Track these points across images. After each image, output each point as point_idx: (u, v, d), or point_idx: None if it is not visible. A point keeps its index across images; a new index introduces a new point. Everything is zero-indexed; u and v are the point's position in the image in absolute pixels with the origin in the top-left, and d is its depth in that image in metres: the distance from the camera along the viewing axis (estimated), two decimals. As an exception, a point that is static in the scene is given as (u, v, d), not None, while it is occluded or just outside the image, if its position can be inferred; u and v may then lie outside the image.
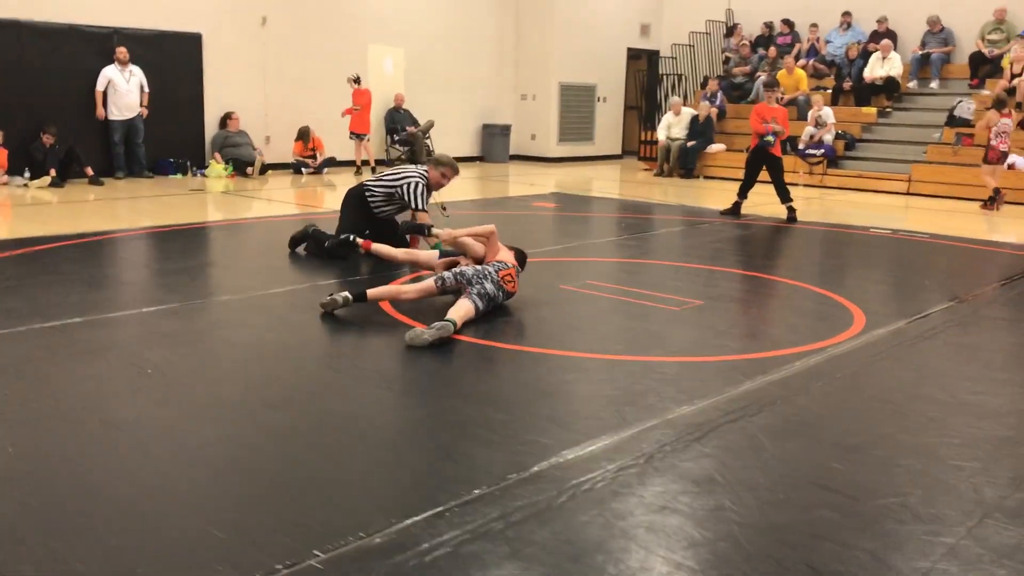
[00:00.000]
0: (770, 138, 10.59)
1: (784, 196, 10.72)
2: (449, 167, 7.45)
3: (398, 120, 16.72)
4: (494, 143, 18.67)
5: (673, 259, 8.25)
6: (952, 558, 2.80)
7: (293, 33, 15.25)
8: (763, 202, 11.43)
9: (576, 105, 19.33)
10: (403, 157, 16.68)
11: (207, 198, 12.04)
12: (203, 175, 13.92)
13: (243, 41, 14.68)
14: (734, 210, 10.99)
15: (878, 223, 10.69)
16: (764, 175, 10.80)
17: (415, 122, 16.78)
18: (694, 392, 4.29)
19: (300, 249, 7.70)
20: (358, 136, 15.38)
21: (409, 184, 7.36)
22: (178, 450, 3.50)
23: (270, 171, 14.53)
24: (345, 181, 14.29)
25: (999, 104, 12.56)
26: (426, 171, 7.50)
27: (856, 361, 4.96)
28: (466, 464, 3.42)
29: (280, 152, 15.10)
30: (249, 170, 14.00)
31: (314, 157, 15.12)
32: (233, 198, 12.06)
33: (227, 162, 14.03)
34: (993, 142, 12.40)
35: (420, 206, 7.35)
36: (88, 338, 5.01)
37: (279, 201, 12.10)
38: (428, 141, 16.88)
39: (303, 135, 14.98)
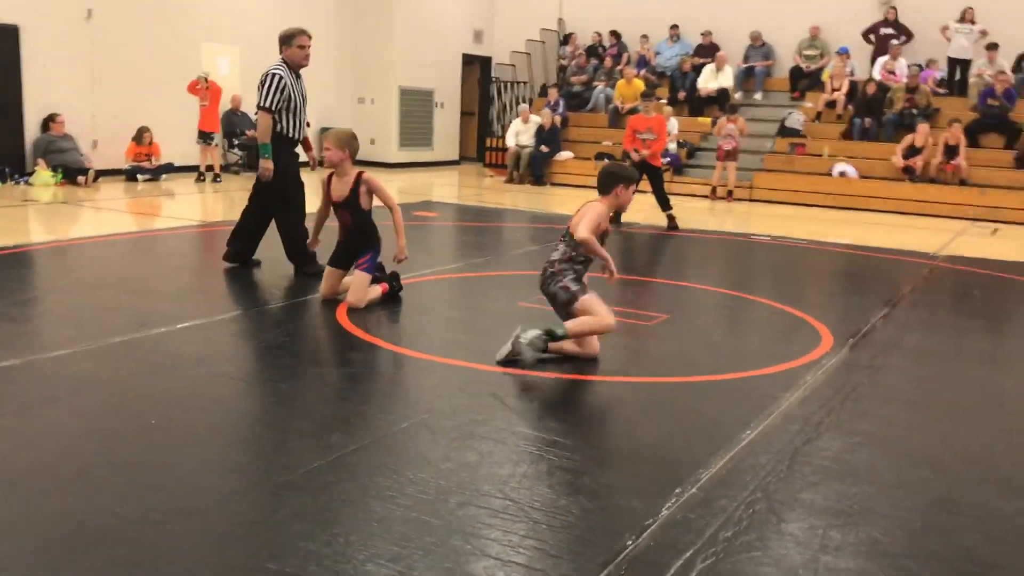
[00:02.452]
0: (635, 154, 10.88)
1: (664, 204, 10.99)
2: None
3: (236, 123, 15.71)
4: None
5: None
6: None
7: (122, 29, 13.95)
8: (641, 209, 11.66)
9: (415, 110, 19.00)
10: (241, 162, 15.72)
11: (36, 210, 10.73)
12: (27, 183, 12.42)
13: (67, 36, 13.25)
14: (615, 218, 11.13)
15: (743, 229, 11.17)
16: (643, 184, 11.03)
17: (255, 125, 15.80)
18: (750, 410, 4.22)
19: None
20: (206, 137, 14.24)
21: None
22: None
23: (101, 178, 13.20)
24: (185, 189, 13.30)
25: (730, 111, 14.64)
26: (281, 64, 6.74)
27: (855, 376, 5.08)
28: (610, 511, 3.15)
29: (109, 158, 13.76)
30: (81, 179, 12.64)
31: (149, 161, 13.91)
32: (70, 209, 10.81)
33: (55, 169, 12.59)
34: (720, 143, 14.32)
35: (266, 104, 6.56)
36: None
37: (115, 211, 10.96)
38: (268, 146, 15.97)
39: (139, 136, 13.74)
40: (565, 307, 5.06)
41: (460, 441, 3.74)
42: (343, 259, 6.06)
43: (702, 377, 4.90)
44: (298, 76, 6.80)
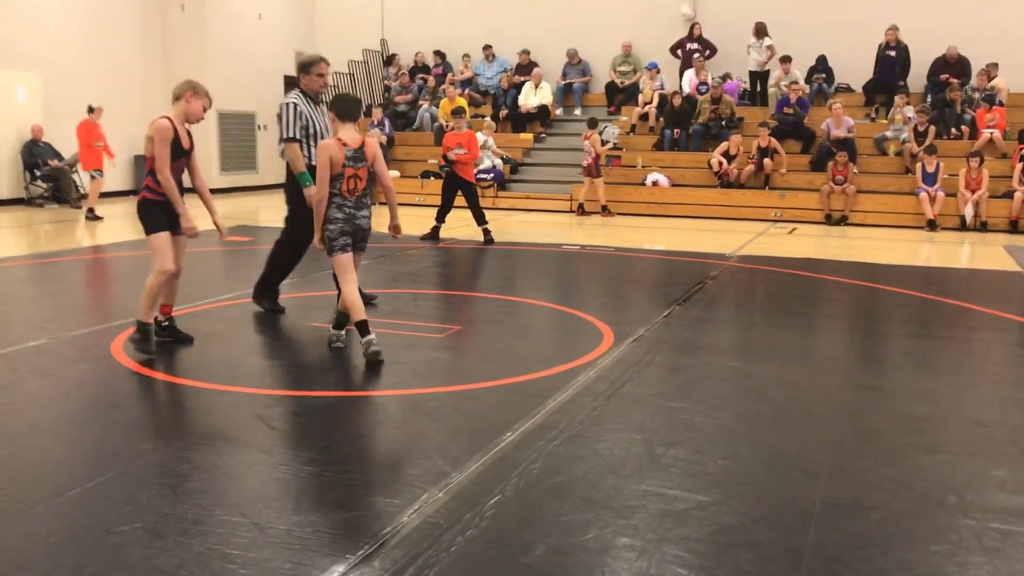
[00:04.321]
0: (450, 156, 11.03)
1: (480, 219, 11.16)
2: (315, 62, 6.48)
3: (38, 154, 14.92)
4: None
5: (401, 285, 8.23)
6: (819, 537, 3.12)
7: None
8: (460, 224, 11.79)
9: (236, 133, 18.58)
10: (46, 194, 14.95)
11: None
12: None
13: None
14: (433, 234, 11.23)
15: (562, 240, 11.50)
16: (459, 200, 11.19)
17: (59, 155, 15.09)
18: (508, 418, 4.34)
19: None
20: (99, 172, 13.50)
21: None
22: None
23: None
24: (11, 221, 12.54)
25: (590, 125, 14.76)
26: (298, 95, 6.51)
27: (629, 370, 5.31)
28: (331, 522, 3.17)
29: None
30: None
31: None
32: None
33: None
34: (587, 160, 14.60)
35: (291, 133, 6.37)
36: None
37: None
38: (76, 176, 15.27)
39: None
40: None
41: (211, 464, 3.68)
42: None
43: (478, 384, 5.01)
44: (317, 103, 6.50)
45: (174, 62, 17.91)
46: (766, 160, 14.70)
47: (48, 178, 14.88)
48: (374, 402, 4.74)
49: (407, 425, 4.36)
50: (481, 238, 11.07)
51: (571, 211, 15.36)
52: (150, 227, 5.40)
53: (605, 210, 14.71)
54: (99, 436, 4.12)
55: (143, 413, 4.51)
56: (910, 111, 14.98)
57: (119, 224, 13.12)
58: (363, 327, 5.31)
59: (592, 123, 14.78)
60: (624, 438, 4.13)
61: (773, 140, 14.84)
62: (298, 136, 6.35)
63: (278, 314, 6.71)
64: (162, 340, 5.63)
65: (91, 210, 13.28)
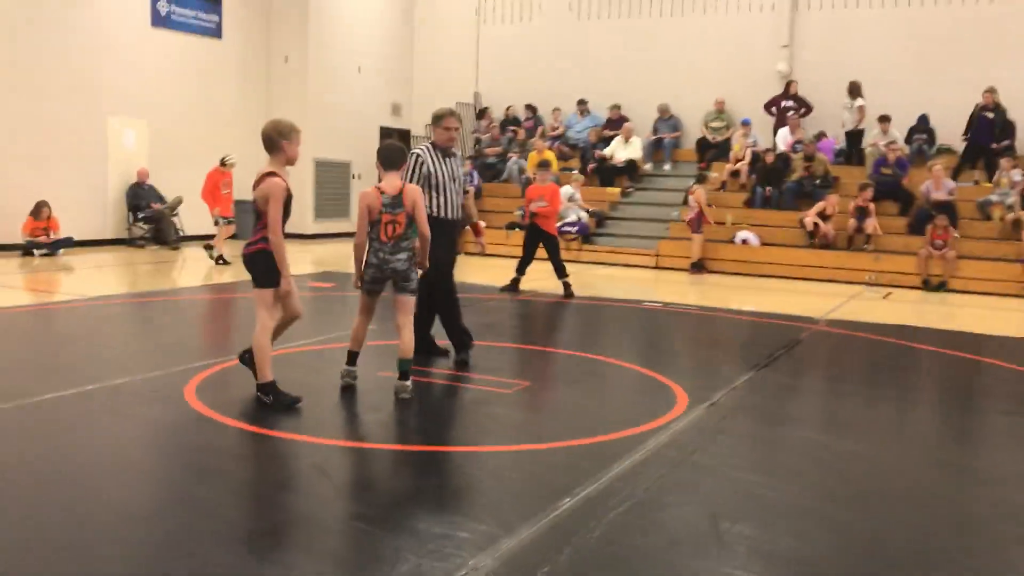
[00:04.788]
0: (531, 208, 11.04)
1: (560, 272, 11.08)
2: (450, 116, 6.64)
3: (142, 196, 15.55)
4: (246, 220, 17.68)
5: (478, 337, 8.17)
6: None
7: (21, 103, 13.81)
8: (540, 277, 11.73)
9: (331, 182, 19.05)
10: (147, 236, 15.53)
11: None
12: (-87, 259, 12.10)
13: (-39, 109, 13.08)
14: (513, 286, 11.18)
15: (644, 296, 11.32)
16: (541, 252, 11.14)
17: (161, 199, 15.70)
18: (570, 482, 4.19)
19: None
20: (227, 220, 13.72)
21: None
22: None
23: (-6, 253, 12.94)
24: (86, 262, 13.06)
25: (698, 180, 14.95)
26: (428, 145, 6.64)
27: (695, 438, 5.10)
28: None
29: (6, 232, 13.50)
30: (-29, 253, 12.36)
31: (47, 236, 13.65)
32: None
33: (-57, 244, 12.31)
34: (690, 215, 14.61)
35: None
36: None
37: (7, 287, 10.73)
38: (176, 219, 15.85)
39: (37, 211, 13.51)
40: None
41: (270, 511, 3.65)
42: None
43: (542, 445, 4.87)
44: (448, 155, 6.63)
45: (276, 111, 18.51)
46: (867, 220, 14.25)
47: (150, 220, 15.46)
48: (433, 458, 4.65)
49: (463, 484, 4.25)
50: (561, 291, 10.98)
51: (655, 267, 15.16)
52: (262, 281, 5.31)
53: (696, 267, 14.49)
54: (160, 479, 4.15)
55: (205, 458, 4.52)
56: (1017, 175, 14.35)
57: (208, 266, 13.51)
58: (352, 358, 5.76)
59: (700, 178, 14.81)
60: (689, 510, 3.94)
61: (871, 201, 14.39)
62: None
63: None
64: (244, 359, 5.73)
65: (217, 253, 13.31)
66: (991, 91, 15.02)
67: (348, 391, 5.77)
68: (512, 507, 3.88)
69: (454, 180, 6.66)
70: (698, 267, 14.66)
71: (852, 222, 14.36)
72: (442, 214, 6.60)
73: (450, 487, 4.24)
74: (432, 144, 6.63)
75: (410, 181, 6.38)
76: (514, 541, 3.49)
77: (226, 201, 13.62)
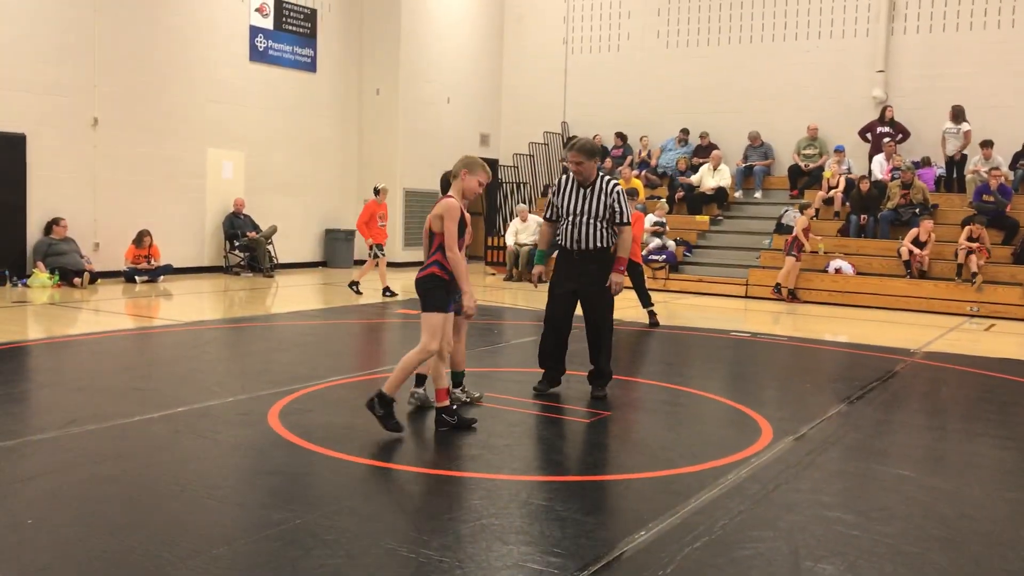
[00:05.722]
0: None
1: (645, 301, 10.96)
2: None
3: (238, 225, 16.05)
4: (337, 248, 18.27)
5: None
6: None
7: (126, 135, 14.46)
8: (624, 306, 11.61)
9: (420, 210, 19.30)
10: (243, 263, 16.00)
11: (29, 311, 10.93)
12: (24, 285, 12.71)
13: (72, 143, 13.75)
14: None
15: (733, 326, 11.08)
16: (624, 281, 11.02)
17: (256, 227, 16.18)
18: (645, 515, 4.09)
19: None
20: (380, 248, 13.69)
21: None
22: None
23: (99, 280, 13.50)
24: (184, 288, 13.52)
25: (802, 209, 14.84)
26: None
27: (779, 473, 4.93)
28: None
29: (111, 259, 14.10)
30: (77, 280, 12.92)
31: (148, 263, 14.20)
32: (59, 310, 11.01)
33: (52, 271, 12.90)
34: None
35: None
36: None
37: (109, 312, 11.18)
38: (270, 247, 16.31)
39: (139, 239, 14.08)
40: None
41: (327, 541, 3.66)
42: None
43: (617, 476, 4.79)
44: (582, 186, 6.57)
45: (368, 142, 18.96)
46: (972, 256, 13.62)
47: (245, 248, 15.93)
48: (502, 487, 4.58)
49: (530, 516, 4.17)
50: (647, 320, 10.84)
51: (745, 296, 14.87)
52: (432, 305, 5.36)
53: (778, 289, 14.28)
54: (238, 503, 4.22)
55: (284, 481, 4.58)
56: None
57: (300, 293, 13.83)
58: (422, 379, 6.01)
59: (803, 207, 14.84)
60: (769, 547, 3.80)
61: (984, 232, 13.79)
62: (547, 216, 6.91)
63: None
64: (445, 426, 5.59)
65: (383, 285, 13.36)
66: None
67: (418, 415, 5.80)
68: (584, 540, 3.81)
69: (581, 213, 6.56)
70: (788, 293, 14.34)
71: (962, 254, 13.73)
72: (564, 243, 6.71)
73: (522, 517, 4.19)
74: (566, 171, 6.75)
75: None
76: (585, 574, 3.42)
77: (381, 232, 13.53)
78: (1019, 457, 5.69)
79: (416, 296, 5.48)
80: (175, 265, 14.75)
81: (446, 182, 5.76)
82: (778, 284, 14.33)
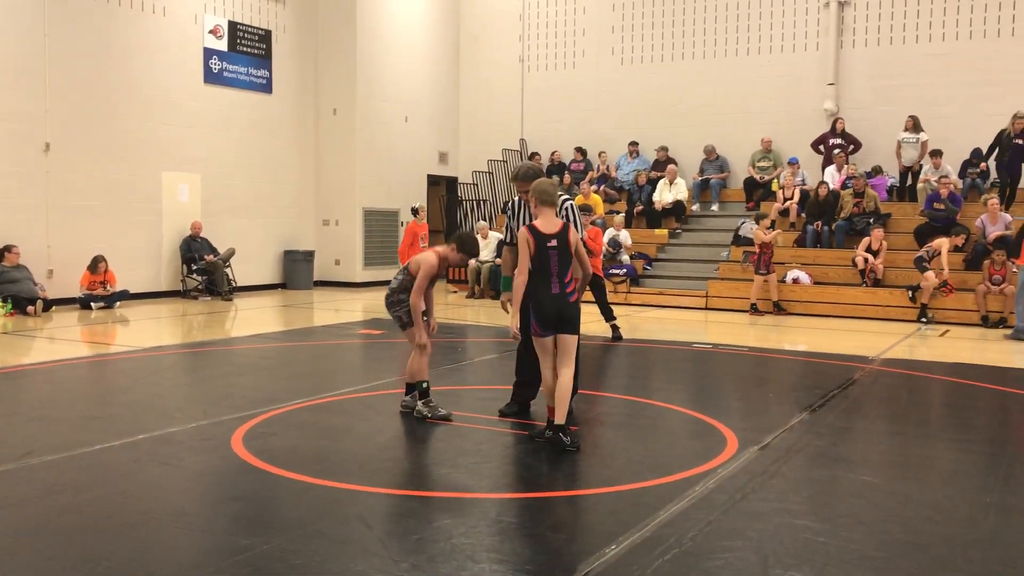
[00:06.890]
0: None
1: (608, 315, 11.01)
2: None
3: (195, 249, 15.87)
4: (296, 269, 18.14)
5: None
6: None
7: (80, 160, 14.26)
8: (587, 320, 11.65)
9: (380, 230, 19.26)
10: (201, 287, 15.81)
11: (-15, 340, 10.71)
12: (-25, 314, 12.46)
13: (23, 169, 13.54)
14: (561, 331, 11.11)
15: (694, 338, 11.17)
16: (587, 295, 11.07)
17: (214, 250, 16.01)
18: (614, 529, 4.10)
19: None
20: None
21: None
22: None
23: (54, 307, 13.26)
24: (141, 314, 13.32)
25: (756, 220, 14.90)
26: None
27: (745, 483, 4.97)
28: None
29: (66, 286, 13.86)
30: (31, 308, 12.68)
31: (104, 289, 13.98)
32: (13, 339, 10.79)
33: (5, 299, 12.65)
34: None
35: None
36: None
37: (65, 340, 10.99)
38: (228, 270, 16.13)
39: (94, 265, 13.85)
40: (403, 329, 6.43)
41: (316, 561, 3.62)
42: None
43: (585, 491, 4.80)
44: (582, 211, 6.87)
45: (325, 162, 18.87)
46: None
47: (203, 272, 15.75)
48: (470, 505, 4.56)
49: (500, 533, 4.16)
50: (609, 334, 10.90)
51: (705, 307, 15.00)
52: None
53: (755, 308, 14.33)
54: (204, 529, 4.16)
55: (250, 507, 4.52)
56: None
57: (260, 316, 13.69)
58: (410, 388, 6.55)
59: (757, 218, 14.90)
60: (738, 557, 3.83)
61: (945, 247, 13.97)
62: (507, 240, 6.72)
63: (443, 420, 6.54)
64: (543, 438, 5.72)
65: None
66: (1022, 117, 14.64)
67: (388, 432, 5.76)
68: (555, 556, 3.80)
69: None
70: (773, 306, 14.39)
71: (860, 260, 14.18)
72: None
73: (492, 535, 4.17)
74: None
75: (506, 236, 6.66)
76: (557, 590, 3.41)
77: (420, 251, 13.42)
78: (977, 459, 5.80)
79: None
80: (132, 290, 14.54)
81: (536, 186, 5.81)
82: (753, 304, 14.42)
